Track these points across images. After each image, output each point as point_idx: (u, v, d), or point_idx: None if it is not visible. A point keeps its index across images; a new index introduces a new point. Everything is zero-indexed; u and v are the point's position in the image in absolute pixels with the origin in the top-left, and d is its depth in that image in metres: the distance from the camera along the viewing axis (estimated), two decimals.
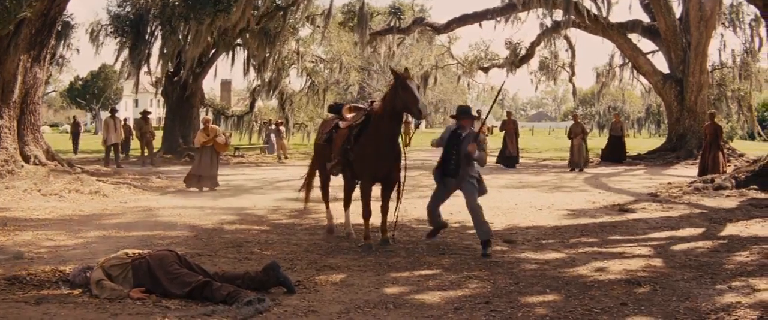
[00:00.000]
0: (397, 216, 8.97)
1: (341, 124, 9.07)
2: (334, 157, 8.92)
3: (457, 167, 8.20)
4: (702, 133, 22.73)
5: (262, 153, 31.52)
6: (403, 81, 7.94)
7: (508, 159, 23.43)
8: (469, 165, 8.17)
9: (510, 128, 23.69)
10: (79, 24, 29.06)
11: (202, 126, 16.09)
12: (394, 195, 8.79)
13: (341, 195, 9.52)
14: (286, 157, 28.15)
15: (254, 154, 31.16)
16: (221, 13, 23.24)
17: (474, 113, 9.18)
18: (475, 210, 8.12)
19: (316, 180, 10.23)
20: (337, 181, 9.68)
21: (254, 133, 34.24)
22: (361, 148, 8.53)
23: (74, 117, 36.85)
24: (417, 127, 8.78)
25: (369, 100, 9.81)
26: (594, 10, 26.79)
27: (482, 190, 8.34)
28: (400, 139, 8.57)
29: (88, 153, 30.56)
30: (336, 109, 9.72)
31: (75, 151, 31.23)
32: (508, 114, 25.64)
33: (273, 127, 31.49)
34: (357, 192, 9.01)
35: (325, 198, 9.88)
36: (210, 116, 19.33)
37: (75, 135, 32.61)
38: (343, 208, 9.53)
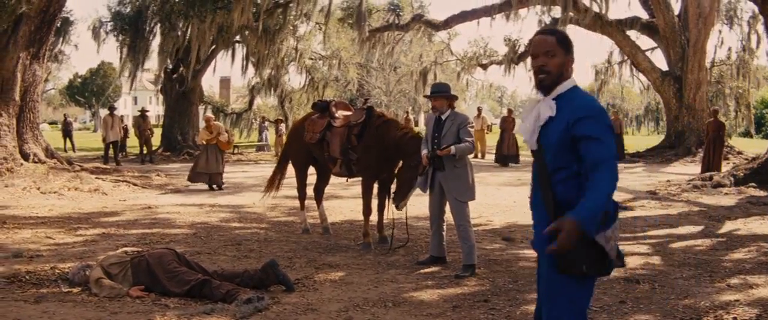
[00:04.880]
0: (395, 215, 8.71)
1: (336, 123, 8.78)
2: (335, 158, 8.73)
3: (442, 159, 7.05)
4: (701, 131, 22.72)
5: (258, 151, 31.51)
6: (418, 173, 7.54)
7: (506, 157, 23.30)
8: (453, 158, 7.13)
9: (509, 126, 23.60)
10: (79, 20, 29.23)
11: (203, 123, 16.05)
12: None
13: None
14: None
15: (252, 151, 31.14)
16: (221, 11, 23.26)
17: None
18: (461, 228, 7.13)
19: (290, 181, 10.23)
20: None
21: (254, 130, 34.25)
22: (366, 147, 8.40)
23: (65, 115, 36.78)
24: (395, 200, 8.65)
25: (363, 98, 9.70)
26: (593, 7, 26.78)
27: (469, 193, 7.20)
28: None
29: (87, 150, 30.57)
30: (321, 106, 9.14)
31: (73, 149, 31.20)
32: (510, 111, 25.55)
33: (266, 124, 31.54)
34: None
35: (303, 199, 9.75)
36: (211, 114, 19.24)
37: (67, 133, 32.53)
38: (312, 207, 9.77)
